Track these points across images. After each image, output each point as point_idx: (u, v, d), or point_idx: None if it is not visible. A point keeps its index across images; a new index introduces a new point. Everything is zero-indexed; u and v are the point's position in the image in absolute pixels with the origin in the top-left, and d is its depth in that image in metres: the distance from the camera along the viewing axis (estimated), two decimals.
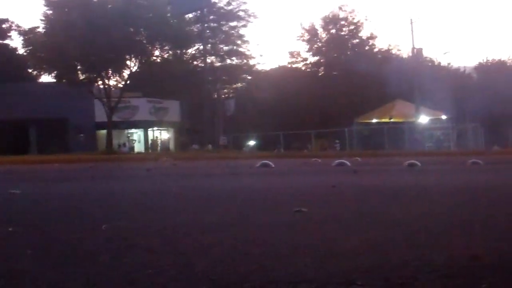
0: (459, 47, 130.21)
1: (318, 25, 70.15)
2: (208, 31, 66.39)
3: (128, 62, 51.54)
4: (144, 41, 50.31)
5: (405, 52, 67.31)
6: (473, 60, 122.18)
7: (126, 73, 52.72)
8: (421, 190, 10.20)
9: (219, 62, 67.79)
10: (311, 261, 3.86)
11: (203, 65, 66.12)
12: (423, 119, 53.64)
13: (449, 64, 71.53)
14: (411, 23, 53.87)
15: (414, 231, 5.19)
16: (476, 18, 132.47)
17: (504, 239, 4.75)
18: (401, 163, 21.57)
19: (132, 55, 50.75)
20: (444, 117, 55.20)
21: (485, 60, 76.22)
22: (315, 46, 70.30)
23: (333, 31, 69.46)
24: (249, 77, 70.18)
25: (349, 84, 62.29)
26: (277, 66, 73.77)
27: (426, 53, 65.21)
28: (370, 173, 17.72)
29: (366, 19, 68.70)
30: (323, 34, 70.27)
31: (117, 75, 53.29)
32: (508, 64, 74.85)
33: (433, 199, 8.51)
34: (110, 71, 51.42)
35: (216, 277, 3.46)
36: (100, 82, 51.76)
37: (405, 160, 22.22)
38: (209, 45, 66.68)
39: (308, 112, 62.57)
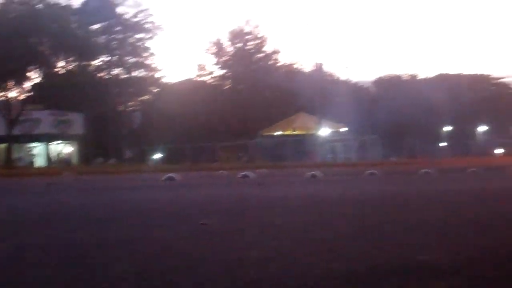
0: (358, 63, 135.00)
1: (225, 38, 70.70)
2: (114, 42, 65.24)
3: (30, 73, 49.72)
4: (47, 52, 48.72)
5: (307, 66, 69.05)
6: (372, 74, 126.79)
7: (28, 84, 50.84)
8: (321, 201, 10.49)
9: (125, 74, 66.72)
10: (217, 272, 3.89)
11: (108, 77, 64.87)
12: (325, 131, 55.07)
13: (348, 78, 74.01)
14: (312, 39, 55.29)
15: (316, 240, 5.33)
16: (373, 34, 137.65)
17: (400, 245, 4.96)
18: (303, 174, 22.04)
19: (34, 66, 49.00)
20: (344, 129, 56.91)
21: (382, 75, 79.45)
22: (222, 59, 70.78)
23: (239, 45, 70.20)
24: (156, 90, 69.51)
25: (254, 97, 63.08)
26: (184, 79, 73.58)
27: (327, 68, 67.19)
28: (274, 184, 17.97)
29: (269, 35, 69.97)
30: (229, 48, 70.86)
31: (18, 86, 51.29)
32: (403, 78, 78.33)
33: (332, 209, 8.76)
34: (10, 83, 49.42)
35: None
36: (0, 94, 49.65)
37: (307, 171, 22.73)
38: (115, 57, 65.52)
39: (214, 124, 62.73)
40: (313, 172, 22.14)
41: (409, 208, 8.74)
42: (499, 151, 66.80)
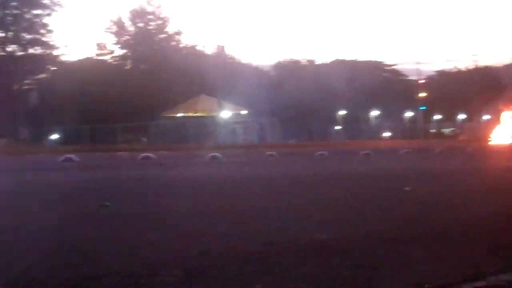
0: (259, 46, 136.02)
1: (126, 18, 69.13)
2: (9, 18, 62.12)
3: None
4: None
5: (209, 49, 68.87)
6: (272, 58, 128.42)
7: None
8: (222, 182, 10.64)
9: (21, 52, 63.74)
10: (115, 255, 3.91)
11: (3, 53, 61.79)
12: (226, 113, 55.32)
13: (249, 61, 74.57)
14: (215, 21, 55.22)
15: (216, 222, 5.43)
16: (274, 19, 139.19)
17: (297, 225, 5.17)
18: (204, 156, 22.14)
19: None
20: (245, 112, 57.45)
21: (282, 59, 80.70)
22: (123, 39, 69.24)
23: (141, 25, 68.89)
24: (53, 68, 67.01)
25: (156, 79, 62.23)
26: (84, 57, 71.37)
27: (229, 51, 67.36)
28: (175, 166, 17.96)
29: (172, 15, 69.13)
30: (130, 28, 69.41)
31: None
32: (302, 63, 79.96)
33: (233, 191, 8.92)
34: None
35: (16, 276, 3.38)
36: None
37: (209, 153, 22.85)
38: (10, 33, 62.45)
39: (114, 105, 61.37)
40: (214, 154, 22.29)
41: (308, 189, 9.04)
42: (386, 134, 70.18)
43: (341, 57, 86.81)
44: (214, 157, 21.51)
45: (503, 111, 53.76)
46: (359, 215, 5.81)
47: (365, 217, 5.68)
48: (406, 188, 8.42)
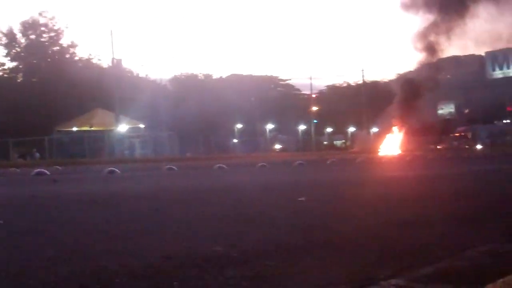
0: (156, 60, 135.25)
1: (17, 29, 66.54)
2: None
3: None
4: None
5: (105, 62, 67.57)
6: (169, 72, 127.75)
7: None
8: (118, 197, 10.48)
9: None
10: (4, 277, 3.78)
11: None
12: (123, 127, 54.45)
13: (146, 75, 73.83)
14: (111, 34, 54.35)
15: (112, 237, 5.37)
16: (171, 33, 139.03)
17: (194, 238, 5.20)
18: (101, 171, 21.69)
19: None
20: (142, 125, 56.80)
21: (179, 73, 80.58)
22: (13, 51, 66.56)
23: (33, 36, 66.52)
24: None
25: (49, 92, 60.18)
26: None
27: (126, 64, 66.33)
28: (70, 181, 17.48)
29: (66, 27, 67.25)
30: (22, 39, 66.85)
31: None
32: (199, 78, 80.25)
33: (129, 204, 8.82)
34: None
35: None
36: None
37: (105, 168, 22.41)
38: None
39: (6, 119, 58.69)
40: (111, 169, 21.90)
41: (205, 201, 9.09)
42: (278, 146, 71.85)
43: (237, 72, 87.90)
44: (111, 172, 21.12)
45: (392, 124, 56.33)
46: (255, 226, 5.92)
47: (261, 227, 5.80)
48: (300, 199, 8.66)
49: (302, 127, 77.07)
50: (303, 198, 8.69)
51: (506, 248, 4.35)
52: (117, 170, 21.68)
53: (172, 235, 5.44)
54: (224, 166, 24.46)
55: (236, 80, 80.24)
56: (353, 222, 6.12)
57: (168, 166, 24.38)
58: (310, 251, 4.42)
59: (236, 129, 72.43)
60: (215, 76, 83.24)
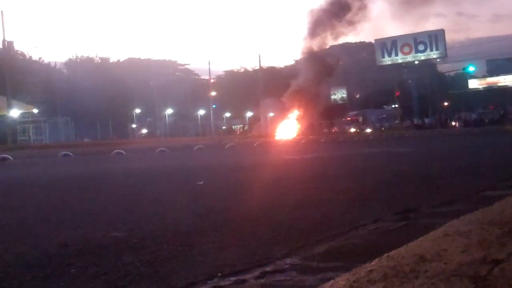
0: (51, 42, 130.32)
1: None
2: None
3: None
4: None
5: None
6: (64, 55, 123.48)
7: None
8: (10, 185, 10.15)
9: None
10: None
11: None
12: (15, 112, 52.25)
13: (40, 58, 71.03)
14: (1, 14, 51.75)
15: (4, 226, 5.22)
16: (65, 14, 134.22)
17: (91, 225, 5.14)
18: None
19: None
20: (36, 110, 54.76)
21: (74, 56, 78.02)
22: None
23: None
24: None
25: None
26: None
27: (18, 47, 63.50)
28: None
29: None
30: None
31: None
32: (95, 61, 78.05)
33: (26, 192, 8.58)
34: None
35: None
36: None
37: None
38: None
39: None
40: (3, 155, 21.01)
41: (103, 188, 8.97)
42: (144, 131, 71.50)
43: (134, 56, 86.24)
44: (3, 159, 20.27)
45: (289, 109, 57.43)
46: (153, 211, 5.93)
47: (160, 212, 5.82)
48: (199, 182, 8.74)
49: (201, 112, 76.97)
50: (201, 182, 8.77)
51: (394, 226, 4.61)
52: (9, 157, 20.83)
53: (68, 222, 5.35)
54: (122, 151, 24.07)
55: (134, 64, 78.80)
56: (249, 204, 6.26)
57: (63, 153, 23.67)
58: (208, 234, 4.49)
59: (134, 114, 71.25)
60: (112, 60, 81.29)
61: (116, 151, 24.04)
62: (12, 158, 20.70)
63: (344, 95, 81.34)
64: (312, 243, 4.00)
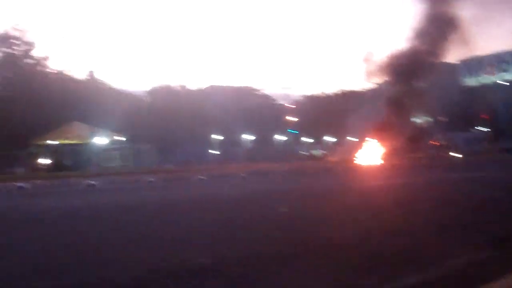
0: (131, 72, 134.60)
1: None
2: None
3: None
4: None
5: (79, 74, 67.15)
6: (145, 85, 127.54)
7: None
8: (98, 210, 10.44)
9: None
10: None
11: None
12: (101, 140, 54.12)
13: (123, 88, 73.51)
14: (84, 46, 54.10)
15: (96, 250, 5.36)
16: (146, 45, 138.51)
17: (180, 251, 5.20)
18: (80, 184, 21.50)
19: None
20: (120, 138, 56.50)
21: (157, 85, 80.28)
22: None
23: (5, 49, 65.96)
24: None
25: (24, 105, 59.64)
26: None
27: (99, 77, 66.00)
28: (48, 195, 17.35)
29: (38, 40, 66.79)
30: None
31: None
32: (176, 89, 79.97)
33: (110, 217, 8.80)
34: None
35: None
36: None
37: (85, 181, 22.22)
38: None
39: None
40: (90, 182, 21.71)
41: (189, 214, 9.09)
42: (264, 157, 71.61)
43: (213, 83, 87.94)
44: (90, 185, 20.94)
45: (369, 133, 56.58)
46: (239, 237, 5.95)
47: (244, 238, 5.83)
48: (282, 209, 8.71)
49: (280, 138, 77.14)
50: (285, 209, 8.74)
51: (486, 256, 4.44)
52: (95, 184, 21.53)
53: (160, 248, 5.45)
54: (204, 177, 24.40)
55: (213, 91, 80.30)
56: (339, 230, 6.18)
57: (148, 179, 24.24)
58: (297, 260, 4.46)
59: (215, 140, 72.31)
60: (192, 87, 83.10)
61: (198, 176, 24.38)
62: (98, 184, 21.37)
63: (429, 118, 79.42)
64: (404, 273, 3.90)
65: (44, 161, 50.18)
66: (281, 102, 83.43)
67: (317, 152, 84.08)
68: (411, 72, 56.41)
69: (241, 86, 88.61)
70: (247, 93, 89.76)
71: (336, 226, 6.63)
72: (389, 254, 4.63)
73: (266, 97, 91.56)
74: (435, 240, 5.30)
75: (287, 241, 5.52)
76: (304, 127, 77.38)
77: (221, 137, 73.48)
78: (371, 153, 54.19)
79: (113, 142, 56.00)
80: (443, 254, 4.49)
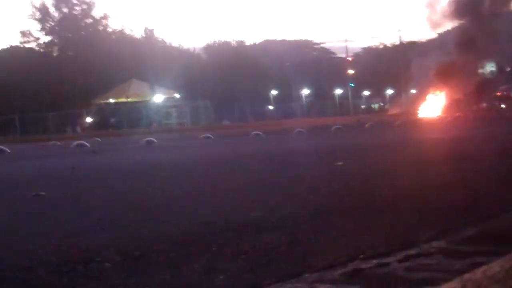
0: (188, 29, 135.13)
1: (50, 3, 67.12)
2: None
3: None
4: None
5: (137, 32, 67.85)
6: (202, 41, 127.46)
7: None
8: (156, 166, 10.59)
9: None
10: (47, 244, 3.84)
11: None
12: (158, 98, 54.83)
13: (180, 45, 73.91)
14: (142, 4, 54.42)
15: (150, 206, 5.42)
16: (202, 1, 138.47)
17: (232, 205, 5.21)
18: (139, 141, 21.92)
19: None
20: (177, 95, 57.08)
21: (212, 41, 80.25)
22: (48, 25, 67.23)
23: (65, 10, 67.05)
24: None
25: (85, 65, 60.86)
26: (8, 46, 68.99)
27: (158, 34, 66.53)
28: (109, 152, 17.73)
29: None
30: (55, 13, 67.45)
31: None
32: (232, 45, 79.78)
33: (167, 174, 8.90)
34: None
35: None
36: None
37: (144, 138, 22.64)
38: None
39: (43, 93, 59.71)
40: (149, 139, 22.10)
41: (243, 168, 9.12)
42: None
43: (270, 38, 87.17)
44: (149, 142, 21.31)
45: (431, 85, 55.16)
46: (293, 191, 5.90)
47: (298, 193, 5.78)
48: (338, 163, 8.60)
49: (339, 91, 76.31)
50: (340, 163, 8.63)
51: None
52: (155, 140, 21.87)
53: (210, 202, 5.46)
54: (260, 133, 24.44)
55: (269, 46, 79.72)
56: (392, 184, 6.05)
57: (204, 135, 24.47)
58: (349, 215, 4.38)
59: (271, 96, 72.14)
60: (248, 42, 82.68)
61: (254, 132, 24.45)
62: (157, 141, 21.71)
63: (493, 68, 76.77)
64: (460, 226, 3.76)
65: (98, 120, 51.13)
66: (340, 55, 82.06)
67: (377, 105, 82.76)
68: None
69: (297, 40, 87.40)
70: (304, 46, 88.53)
71: (388, 180, 6.48)
72: (445, 207, 4.47)
73: (324, 50, 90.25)
74: (494, 193, 5.10)
75: (341, 195, 5.43)
76: (363, 81, 76.09)
77: (276, 93, 73.04)
78: (433, 106, 52.90)
79: (170, 99, 56.59)
80: (504, 208, 4.30)
